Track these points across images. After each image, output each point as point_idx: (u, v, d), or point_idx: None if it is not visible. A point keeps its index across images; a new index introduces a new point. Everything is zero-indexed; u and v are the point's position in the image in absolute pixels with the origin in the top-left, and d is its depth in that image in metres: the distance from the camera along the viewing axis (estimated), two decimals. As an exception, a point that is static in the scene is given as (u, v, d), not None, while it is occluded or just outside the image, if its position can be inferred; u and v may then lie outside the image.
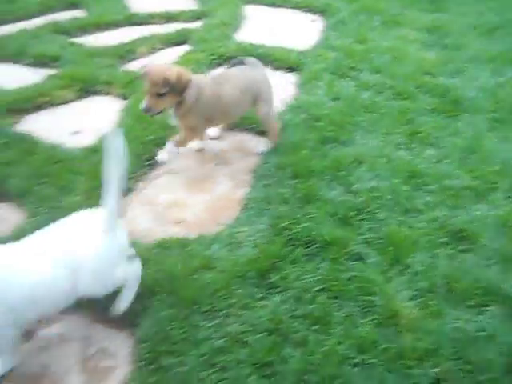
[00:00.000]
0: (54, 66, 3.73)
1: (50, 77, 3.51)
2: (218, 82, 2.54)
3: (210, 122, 2.61)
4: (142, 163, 2.62)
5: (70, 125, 3.03)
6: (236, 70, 2.64)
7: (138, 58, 3.84)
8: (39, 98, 3.24)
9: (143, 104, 2.33)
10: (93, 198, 2.35)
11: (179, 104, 2.40)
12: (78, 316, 1.89)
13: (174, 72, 2.30)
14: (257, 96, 2.61)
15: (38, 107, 3.21)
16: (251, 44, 3.86)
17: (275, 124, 2.73)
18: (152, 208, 2.40)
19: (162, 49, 4.02)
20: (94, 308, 1.88)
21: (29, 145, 2.75)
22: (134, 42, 3.99)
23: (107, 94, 3.37)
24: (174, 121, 2.53)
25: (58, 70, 3.64)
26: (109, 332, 1.83)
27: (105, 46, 3.93)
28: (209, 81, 2.53)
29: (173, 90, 2.29)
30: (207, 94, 2.45)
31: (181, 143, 2.55)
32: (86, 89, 3.37)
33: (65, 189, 2.41)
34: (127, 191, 2.47)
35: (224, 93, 2.50)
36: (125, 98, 3.28)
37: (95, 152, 2.67)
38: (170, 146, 2.53)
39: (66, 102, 3.27)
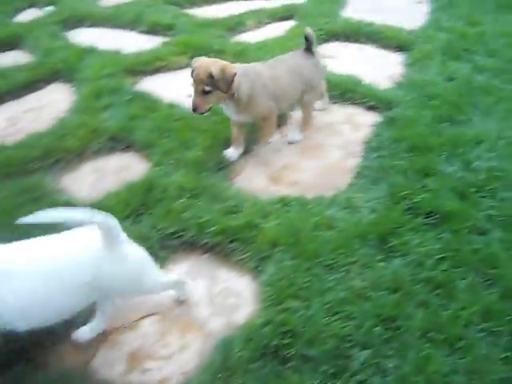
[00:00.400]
0: (168, 34, 3.95)
1: (165, 44, 3.72)
2: (272, 66, 2.51)
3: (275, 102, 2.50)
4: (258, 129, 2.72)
5: (185, 88, 3.19)
6: (289, 56, 2.62)
7: (246, 31, 3.97)
8: (156, 63, 3.45)
9: (190, 103, 2.28)
10: (214, 153, 2.52)
11: (234, 101, 2.33)
12: (203, 258, 2.03)
13: (217, 67, 2.21)
14: (307, 82, 2.56)
15: (155, 70, 3.42)
16: (359, 21, 3.85)
17: (312, 112, 2.70)
18: (267, 169, 2.50)
19: (269, 23, 4.11)
20: (218, 253, 2.02)
21: (150, 103, 2.95)
22: (242, 15, 4.11)
23: (218, 62, 3.51)
24: (235, 116, 2.45)
25: (171, 38, 3.85)
26: (232, 275, 1.95)
27: (214, 18, 4.08)
28: (264, 66, 2.49)
29: (217, 86, 2.22)
30: (264, 78, 2.39)
31: (268, 134, 2.53)
32: (199, 56, 3.53)
33: (186, 144, 2.57)
34: (244, 152, 2.60)
35: (279, 75, 2.46)
36: (235, 67, 3.41)
37: (213, 113, 2.81)
38: (270, 141, 2.56)
39: (181, 68, 3.44)
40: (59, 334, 1.73)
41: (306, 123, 2.69)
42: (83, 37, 4.00)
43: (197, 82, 2.23)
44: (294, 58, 2.59)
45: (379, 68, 3.35)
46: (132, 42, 3.84)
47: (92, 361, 1.68)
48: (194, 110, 2.27)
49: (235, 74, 2.24)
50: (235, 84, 2.28)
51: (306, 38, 2.56)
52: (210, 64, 2.23)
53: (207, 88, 2.22)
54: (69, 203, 2.24)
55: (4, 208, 2.22)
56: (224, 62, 2.29)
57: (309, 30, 2.55)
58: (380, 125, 2.71)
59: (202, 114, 2.31)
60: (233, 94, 2.30)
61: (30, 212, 2.19)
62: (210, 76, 2.19)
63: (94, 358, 1.69)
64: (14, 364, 1.63)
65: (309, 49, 2.59)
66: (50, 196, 2.31)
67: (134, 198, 2.22)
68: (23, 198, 2.29)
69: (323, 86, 2.76)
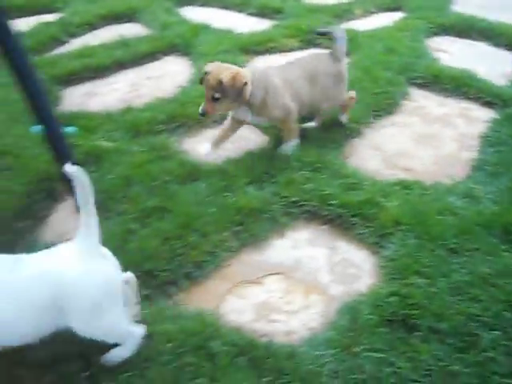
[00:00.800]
0: (276, 17, 4.07)
1: (275, 26, 3.84)
2: (286, 68, 2.42)
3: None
4: (370, 112, 2.77)
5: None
6: (308, 58, 2.52)
7: (353, 19, 4.00)
8: (268, 43, 3.57)
9: (200, 108, 2.27)
10: (329, 132, 2.60)
11: (249, 105, 2.30)
12: (323, 228, 2.12)
13: (228, 75, 2.17)
14: (322, 90, 2.44)
15: (266, 51, 3.54)
16: (471, 16, 3.79)
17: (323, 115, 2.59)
18: (379, 153, 2.55)
19: (376, 13, 4.13)
20: (339, 225, 2.11)
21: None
22: (350, 3, 4.16)
23: (327, 47, 3.56)
24: (253, 120, 2.40)
25: (279, 21, 3.96)
26: (352, 247, 2.03)
27: (322, 4, 4.15)
28: (276, 69, 2.41)
29: (227, 94, 2.19)
30: (276, 81, 2.33)
31: (289, 135, 2.44)
32: (309, 40, 3.62)
33: (302, 121, 2.67)
34: (355, 135, 2.66)
35: (292, 79, 2.37)
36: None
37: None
38: (288, 143, 2.46)
39: (291, 50, 3.55)
40: (195, 278, 1.91)
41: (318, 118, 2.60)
42: (194, 15, 4.20)
43: (207, 88, 2.22)
44: (312, 61, 2.47)
45: (491, 65, 3.29)
46: (242, 23, 3.99)
47: (221, 306, 1.83)
48: (202, 115, 2.28)
49: (246, 83, 2.21)
50: (247, 89, 2.24)
51: (334, 40, 2.45)
52: (221, 71, 2.20)
53: (217, 95, 2.20)
54: (195, 165, 2.42)
55: (136, 161, 2.43)
56: (236, 70, 2.24)
57: (340, 33, 2.44)
58: (497, 121, 2.68)
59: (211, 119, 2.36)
60: (247, 100, 2.27)
61: (161, 167, 2.41)
62: (220, 83, 2.17)
63: (223, 304, 1.84)
64: (155, 301, 1.82)
65: (334, 53, 2.46)
66: (176, 156, 2.50)
67: (257, 166, 2.35)
68: (153, 154, 2.49)
69: (344, 98, 2.56)
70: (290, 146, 2.46)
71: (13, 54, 1.84)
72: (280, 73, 2.39)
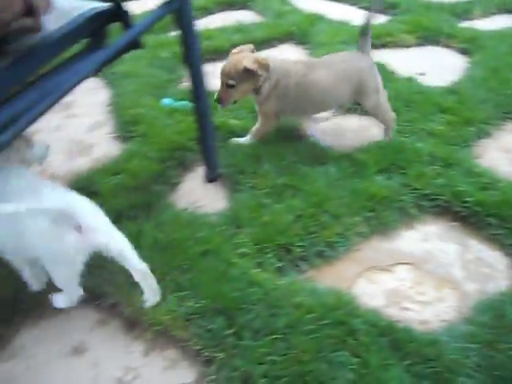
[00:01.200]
0: (390, 12, 4.02)
1: (392, 21, 3.80)
2: (311, 67, 2.35)
3: (296, 111, 2.47)
4: (500, 114, 2.69)
5: (415, 66, 3.24)
6: (341, 56, 2.41)
7: (472, 19, 3.87)
8: (385, 38, 3.53)
9: (215, 94, 2.33)
10: (457, 130, 2.55)
11: (257, 93, 2.35)
12: (453, 225, 2.10)
13: (242, 63, 2.22)
14: (359, 88, 2.34)
15: (383, 45, 3.51)
16: None
17: (390, 114, 2.44)
18: (510, 156, 2.47)
19: (495, 14, 3.97)
20: (471, 223, 2.08)
21: (387, 73, 3.03)
22: (469, 2, 4.03)
23: (446, 46, 3.50)
24: (256, 108, 2.48)
25: (394, 17, 3.92)
26: (483, 247, 1.99)
27: (440, 2, 4.05)
28: (299, 66, 2.35)
29: (241, 81, 2.25)
30: (291, 80, 2.31)
31: (257, 132, 2.48)
32: (427, 37, 3.56)
33: (428, 117, 2.63)
34: (485, 135, 2.59)
35: (314, 80, 2.31)
36: (464, 53, 3.38)
37: (452, 93, 2.84)
38: (248, 137, 2.50)
39: (408, 46, 3.51)
40: (326, 257, 1.96)
41: (389, 127, 2.49)
42: (306, 5, 4.24)
43: (222, 75, 2.29)
44: (345, 59, 2.39)
45: None
46: (356, 16, 3.96)
47: (352, 288, 1.86)
48: (218, 102, 2.33)
49: (245, 68, 2.21)
50: (261, 79, 2.27)
51: (363, 32, 2.36)
52: (239, 59, 2.26)
53: (230, 82, 2.26)
54: (322, 149, 2.46)
55: (263, 140, 2.51)
56: (251, 58, 2.24)
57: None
58: None
59: (227, 106, 2.39)
60: (258, 88, 2.31)
61: (289, 148, 2.46)
62: (234, 70, 2.24)
63: (354, 286, 1.87)
64: (287, 274, 1.88)
65: (363, 49, 2.37)
66: (307, 138, 2.57)
67: (384, 156, 2.35)
68: (280, 135, 2.54)
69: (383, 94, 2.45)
70: (243, 139, 2.51)
71: (184, 22, 1.96)
72: (305, 71, 2.34)
